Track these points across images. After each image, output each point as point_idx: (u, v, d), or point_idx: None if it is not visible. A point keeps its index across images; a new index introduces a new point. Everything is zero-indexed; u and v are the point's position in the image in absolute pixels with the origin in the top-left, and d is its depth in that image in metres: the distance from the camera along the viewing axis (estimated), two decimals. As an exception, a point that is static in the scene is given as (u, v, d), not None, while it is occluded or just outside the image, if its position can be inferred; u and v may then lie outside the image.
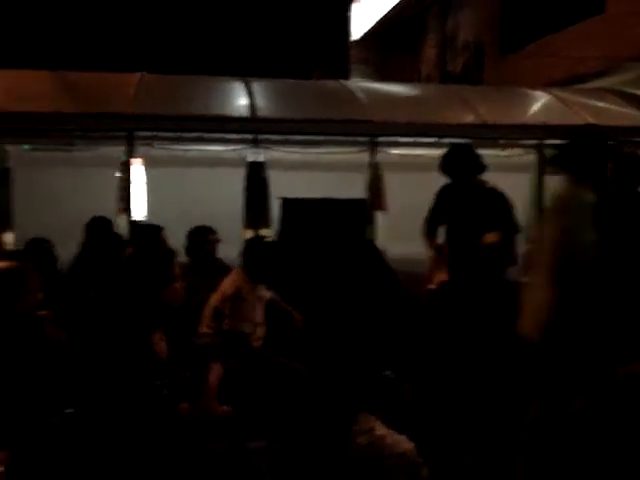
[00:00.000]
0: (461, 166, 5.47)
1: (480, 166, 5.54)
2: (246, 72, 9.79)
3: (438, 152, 7.81)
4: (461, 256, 5.49)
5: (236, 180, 7.51)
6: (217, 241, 6.13)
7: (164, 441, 2.91)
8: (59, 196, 7.55)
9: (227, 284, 4.64)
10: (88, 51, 18.35)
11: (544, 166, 8.14)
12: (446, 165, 5.52)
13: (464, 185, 5.53)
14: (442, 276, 5.55)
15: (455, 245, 5.55)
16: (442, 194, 5.74)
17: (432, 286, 5.65)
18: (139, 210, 7.50)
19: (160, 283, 3.06)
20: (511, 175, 7.66)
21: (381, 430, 2.62)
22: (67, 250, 6.14)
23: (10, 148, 7.68)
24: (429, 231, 5.77)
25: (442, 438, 3.84)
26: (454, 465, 3.77)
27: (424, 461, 2.60)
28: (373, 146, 7.65)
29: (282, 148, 7.58)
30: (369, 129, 7.71)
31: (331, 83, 9.61)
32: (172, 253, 3.31)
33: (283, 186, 7.19)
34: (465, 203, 5.53)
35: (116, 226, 6.98)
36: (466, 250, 5.47)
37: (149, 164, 7.51)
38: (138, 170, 7.49)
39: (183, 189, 7.51)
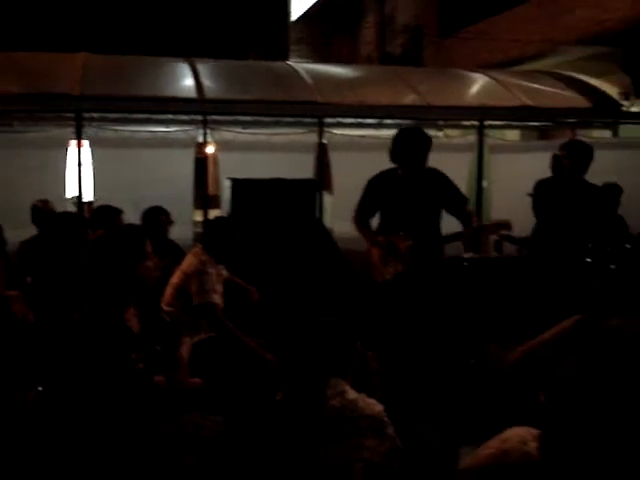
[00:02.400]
0: (416, 151, 5.32)
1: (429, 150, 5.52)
2: (182, 51, 9.84)
3: (383, 133, 8.10)
4: (421, 245, 5.41)
5: (185, 161, 7.56)
6: (170, 222, 6.22)
7: (143, 413, 3.03)
8: (3, 178, 7.49)
9: (189, 262, 4.74)
10: (26, 30, 17.94)
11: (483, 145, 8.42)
12: (399, 151, 5.35)
13: (412, 170, 5.38)
14: (394, 268, 5.48)
15: (412, 234, 5.31)
16: (375, 184, 5.58)
17: (387, 277, 5.60)
18: (88, 192, 7.51)
19: (133, 261, 3.17)
20: (452, 155, 7.94)
21: (352, 394, 2.80)
22: (11, 233, 6.16)
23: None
24: (362, 220, 5.63)
25: (402, 406, 4.05)
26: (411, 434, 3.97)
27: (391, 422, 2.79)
28: (320, 127, 7.79)
29: (231, 129, 7.66)
30: (315, 110, 7.86)
31: (276, 64, 9.72)
32: (144, 231, 3.42)
33: (233, 167, 7.28)
34: (414, 189, 5.42)
35: (65, 208, 7.00)
36: (427, 239, 5.47)
37: (97, 145, 7.51)
38: (86, 151, 7.49)
39: (131, 170, 7.52)
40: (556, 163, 5.91)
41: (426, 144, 5.32)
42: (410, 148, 5.30)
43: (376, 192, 5.56)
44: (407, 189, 5.40)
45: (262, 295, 5.36)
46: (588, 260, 5.02)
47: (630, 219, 6.91)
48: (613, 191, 7.10)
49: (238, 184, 6.74)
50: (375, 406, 2.82)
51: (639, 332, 1.26)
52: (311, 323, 3.04)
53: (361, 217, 5.62)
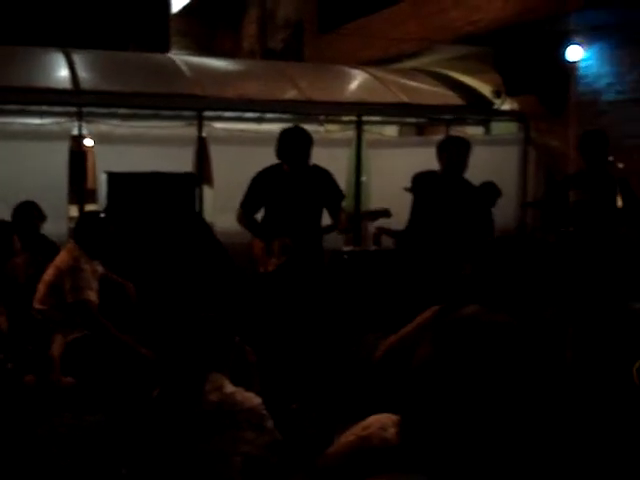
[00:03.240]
0: (299, 148, 5.63)
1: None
2: (58, 41, 9.54)
3: (263, 127, 8.12)
4: (304, 239, 5.67)
5: (60, 154, 7.33)
6: (42, 218, 6.05)
7: (11, 412, 2.95)
8: None
9: (62, 259, 4.62)
10: None
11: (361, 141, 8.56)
12: (284, 148, 5.64)
13: (297, 167, 5.66)
14: (277, 259, 5.68)
15: (298, 227, 5.67)
16: (260, 180, 5.80)
17: (270, 268, 5.77)
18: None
19: (0, 258, 3.07)
20: (332, 150, 8.04)
21: (230, 388, 2.82)
22: None
23: None
24: (247, 216, 5.85)
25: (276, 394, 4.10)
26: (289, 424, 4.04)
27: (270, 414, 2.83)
28: (199, 120, 7.72)
29: (108, 122, 7.49)
30: (195, 103, 7.78)
31: (155, 56, 9.57)
32: (12, 227, 3.32)
33: (110, 160, 7.12)
34: (299, 185, 5.69)
35: None
36: (308, 232, 5.72)
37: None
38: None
39: (2, 164, 7.21)
40: (448, 157, 6.13)
41: (308, 142, 5.64)
42: (294, 145, 5.60)
43: (261, 188, 5.77)
44: (292, 185, 5.67)
45: (140, 291, 5.29)
46: (459, 252, 5.23)
47: (498, 211, 7.23)
48: (491, 191, 7.39)
49: (114, 178, 6.59)
50: (253, 399, 2.85)
51: (490, 320, 1.33)
52: (189, 318, 3.04)
53: (246, 213, 5.82)
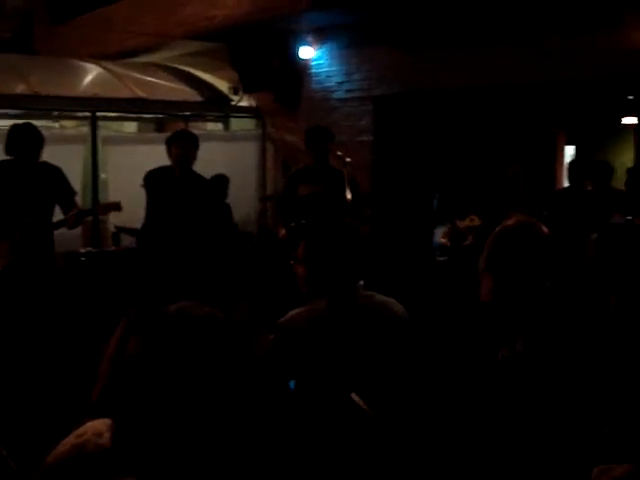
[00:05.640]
0: (27, 145, 5.60)
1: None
2: None
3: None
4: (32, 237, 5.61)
5: None
6: None
7: None
8: None
9: None
10: None
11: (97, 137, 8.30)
12: (13, 144, 5.62)
13: (25, 163, 5.65)
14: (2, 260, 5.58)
15: (26, 224, 5.62)
16: None
17: None
18: None
19: None
20: (66, 147, 7.73)
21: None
22: None
23: None
24: None
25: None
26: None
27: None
28: None
29: None
30: None
31: None
32: None
33: None
34: (27, 181, 5.66)
35: None
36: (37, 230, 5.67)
37: None
38: None
39: None
40: (176, 151, 6.17)
41: (37, 138, 5.66)
42: (22, 142, 5.60)
43: None
44: (21, 181, 5.66)
45: None
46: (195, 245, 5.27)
47: (237, 205, 7.38)
48: (221, 182, 7.54)
49: None
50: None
51: (194, 315, 1.35)
52: None
53: None
